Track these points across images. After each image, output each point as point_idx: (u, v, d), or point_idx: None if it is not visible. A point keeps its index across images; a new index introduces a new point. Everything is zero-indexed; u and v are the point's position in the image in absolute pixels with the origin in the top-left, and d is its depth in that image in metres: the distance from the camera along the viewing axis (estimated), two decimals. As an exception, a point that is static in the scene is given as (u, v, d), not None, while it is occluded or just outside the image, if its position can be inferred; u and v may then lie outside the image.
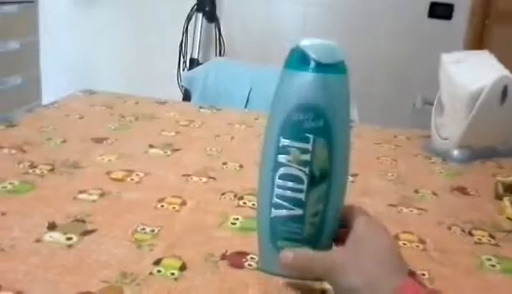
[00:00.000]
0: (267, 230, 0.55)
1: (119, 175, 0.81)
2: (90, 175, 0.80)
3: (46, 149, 0.89)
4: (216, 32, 2.85)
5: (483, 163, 1.03)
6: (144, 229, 0.64)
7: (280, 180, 0.53)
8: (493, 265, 0.64)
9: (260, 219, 0.56)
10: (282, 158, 0.52)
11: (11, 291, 0.50)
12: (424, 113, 1.35)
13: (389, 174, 0.93)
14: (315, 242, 0.53)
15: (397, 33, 2.81)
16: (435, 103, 1.12)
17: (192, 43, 2.78)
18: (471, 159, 1.03)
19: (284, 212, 0.53)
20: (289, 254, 0.51)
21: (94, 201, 0.71)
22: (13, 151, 0.86)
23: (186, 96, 2.26)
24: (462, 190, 0.88)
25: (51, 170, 0.80)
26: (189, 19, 2.78)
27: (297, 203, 0.52)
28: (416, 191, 0.86)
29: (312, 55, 0.51)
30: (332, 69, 0.51)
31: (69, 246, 0.59)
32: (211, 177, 0.84)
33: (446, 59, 1.10)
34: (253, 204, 0.74)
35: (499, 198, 0.83)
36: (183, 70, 2.75)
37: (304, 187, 0.51)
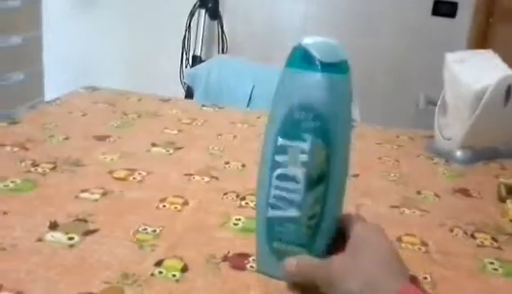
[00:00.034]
0: (263, 231, 0.55)
1: (122, 174, 0.81)
2: (92, 173, 0.80)
3: (48, 147, 0.89)
4: (219, 29, 2.84)
5: (486, 164, 1.03)
6: (146, 229, 0.64)
7: (278, 181, 0.52)
8: (495, 269, 0.63)
9: (257, 219, 0.55)
10: (280, 157, 0.52)
11: (12, 290, 0.50)
12: (427, 114, 1.35)
13: (391, 174, 0.92)
14: (311, 245, 0.53)
15: (399, 32, 2.80)
16: (439, 103, 1.12)
17: (195, 40, 2.77)
18: (474, 160, 1.03)
19: (280, 213, 0.53)
20: (293, 261, 0.51)
21: (96, 200, 0.71)
22: (15, 149, 0.86)
23: (189, 93, 2.25)
24: (465, 192, 0.88)
25: (54, 168, 0.80)
26: (192, 15, 2.77)
27: (293, 205, 0.52)
28: (419, 192, 0.85)
29: (314, 53, 0.50)
30: (333, 68, 0.50)
31: (71, 246, 0.59)
32: (213, 177, 0.83)
33: (450, 58, 1.09)
34: (256, 204, 0.74)
35: (502, 200, 0.83)
36: (186, 67, 2.75)
37: (301, 188, 0.51)
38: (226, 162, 0.90)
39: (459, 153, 1.03)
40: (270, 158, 0.52)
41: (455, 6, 2.75)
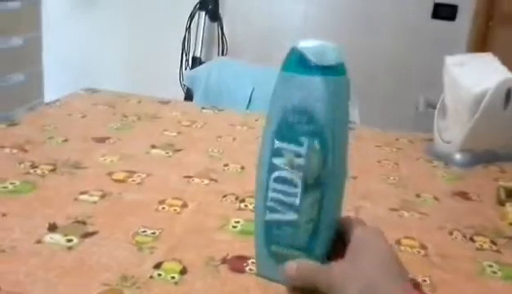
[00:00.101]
0: (261, 234, 0.54)
1: (121, 175, 0.81)
2: (91, 175, 0.80)
3: (47, 149, 0.89)
4: (218, 31, 2.84)
5: (486, 168, 1.03)
6: (145, 231, 0.64)
7: (275, 184, 0.52)
8: (494, 272, 0.63)
9: (256, 222, 0.55)
10: (277, 160, 0.52)
11: (11, 292, 0.50)
12: (426, 116, 1.35)
13: (391, 177, 0.92)
14: (309, 248, 0.52)
15: (399, 34, 2.80)
16: (438, 105, 1.12)
17: (195, 42, 2.78)
18: (473, 163, 1.03)
19: (278, 216, 0.52)
20: (293, 265, 0.51)
21: (95, 202, 0.71)
22: (14, 150, 0.86)
23: (188, 95, 2.26)
24: (464, 195, 0.88)
25: (53, 170, 0.80)
26: (192, 17, 2.78)
27: (290, 208, 0.51)
28: (418, 195, 0.85)
29: (309, 56, 0.49)
30: (329, 71, 0.49)
31: (70, 247, 0.59)
32: (212, 179, 0.83)
33: (450, 61, 1.10)
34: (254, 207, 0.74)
35: (501, 203, 0.83)
36: (185, 69, 2.75)
37: (298, 191, 0.51)
38: (226, 165, 0.90)
39: (458, 157, 1.03)
40: (267, 160, 0.52)
41: (455, 9, 2.75)
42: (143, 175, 0.82)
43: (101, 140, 0.96)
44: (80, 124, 1.06)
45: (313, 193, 0.51)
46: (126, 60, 3.04)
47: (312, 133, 0.50)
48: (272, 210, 0.53)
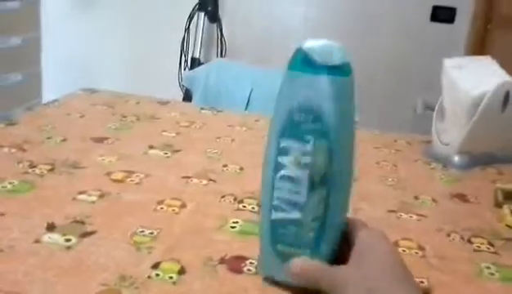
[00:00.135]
0: (267, 233, 0.54)
1: (119, 176, 0.81)
2: (90, 175, 0.80)
3: (46, 149, 0.89)
4: (218, 32, 2.84)
5: (483, 170, 1.03)
6: (143, 231, 0.64)
7: (281, 182, 0.52)
8: (492, 273, 0.63)
9: (261, 221, 0.55)
10: (283, 159, 0.52)
11: (9, 292, 0.50)
12: (424, 119, 1.35)
13: (389, 179, 0.92)
14: (315, 248, 0.52)
15: (398, 36, 2.81)
16: (436, 108, 1.12)
17: (194, 42, 2.78)
18: (471, 165, 1.03)
19: (283, 215, 0.52)
20: (298, 262, 0.51)
21: (93, 202, 0.71)
22: (13, 150, 0.86)
23: (187, 96, 2.26)
24: (462, 197, 0.88)
25: (51, 170, 0.80)
26: (191, 18, 2.78)
27: (296, 206, 0.51)
28: (416, 197, 0.85)
29: (315, 56, 0.50)
30: (335, 70, 0.50)
31: (68, 247, 0.59)
32: (211, 179, 0.83)
33: (449, 64, 1.10)
34: (253, 208, 0.74)
35: (498, 205, 0.83)
36: (184, 70, 2.75)
37: (303, 190, 0.51)
38: (224, 165, 0.90)
39: (456, 159, 1.03)
40: (273, 159, 0.52)
41: (453, 11, 2.76)
42: (142, 176, 0.82)
43: (100, 140, 0.96)
44: (79, 124, 1.06)
45: (319, 192, 0.51)
46: (125, 61, 3.04)
47: (318, 132, 0.50)
48: (278, 209, 0.53)
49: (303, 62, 0.50)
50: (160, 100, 1.30)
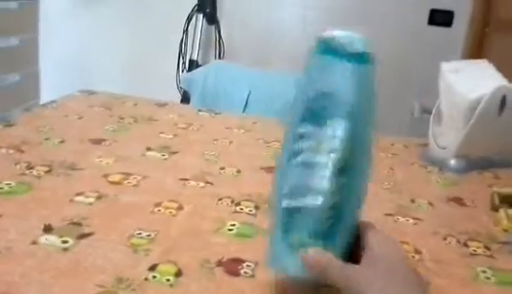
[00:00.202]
0: (279, 222, 0.52)
1: (117, 177, 0.81)
2: (87, 177, 0.80)
3: (43, 150, 0.89)
4: (216, 34, 2.85)
5: (480, 174, 1.03)
6: (140, 233, 0.64)
7: (298, 168, 0.51)
8: (488, 277, 0.64)
9: (274, 211, 0.53)
10: (301, 145, 0.51)
11: (6, 293, 0.50)
12: (421, 122, 1.35)
13: (386, 183, 0.93)
14: (328, 239, 0.50)
15: (396, 40, 2.81)
16: (433, 111, 1.12)
17: (192, 44, 2.78)
18: (468, 169, 1.04)
19: (298, 202, 0.51)
20: (312, 253, 0.49)
21: (91, 204, 0.71)
22: (11, 151, 0.86)
23: (185, 98, 2.26)
24: (458, 201, 0.88)
25: (49, 171, 0.80)
26: (189, 19, 2.78)
27: (315, 193, 0.50)
28: (412, 200, 0.86)
29: (338, 43, 0.50)
30: (358, 58, 0.50)
31: (65, 249, 0.59)
32: (208, 182, 0.84)
33: (446, 67, 1.10)
34: (250, 210, 0.74)
35: (495, 209, 0.83)
36: (182, 71, 2.75)
37: (323, 176, 0.49)
38: (222, 168, 0.91)
39: (453, 162, 1.04)
40: (291, 145, 0.52)
41: (451, 15, 2.76)
42: (139, 178, 0.82)
43: (97, 141, 0.96)
44: (76, 126, 1.06)
45: (339, 179, 0.50)
46: (123, 62, 3.03)
47: (340, 118, 0.49)
48: (293, 196, 0.51)
49: (325, 49, 0.50)
50: (158, 101, 1.30)
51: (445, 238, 0.73)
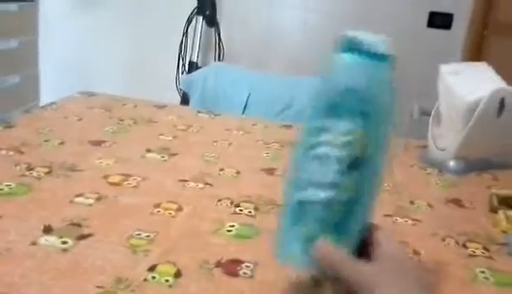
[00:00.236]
0: (291, 214, 0.52)
1: (116, 179, 0.81)
2: (87, 178, 0.80)
3: (43, 151, 0.90)
4: (216, 36, 2.85)
5: (479, 175, 1.04)
6: (139, 234, 0.64)
7: (314, 161, 0.51)
8: (487, 278, 0.64)
9: (286, 202, 0.53)
10: (318, 138, 0.51)
11: (6, 293, 0.50)
12: (421, 124, 1.35)
13: (385, 184, 0.93)
14: (340, 233, 0.50)
15: (395, 42, 2.78)
16: (433, 113, 1.13)
17: (192, 46, 2.78)
18: (467, 171, 1.04)
19: (312, 195, 0.51)
20: (324, 245, 0.49)
21: (90, 205, 0.71)
22: (11, 153, 0.87)
23: (184, 100, 2.26)
24: (457, 202, 0.88)
25: (49, 172, 0.80)
26: (189, 21, 2.78)
27: (328, 186, 0.50)
28: (412, 202, 0.86)
29: (360, 43, 0.51)
30: (382, 57, 0.52)
31: (65, 250, 0.59)
32: (208, 183, 0.84)
33: (445, 70, 1.10)
34: (250, 212, 0.74)
35: (493, 210, 0.83)
36: (182, 73, 2.75)
37: (338, 169, 0.50)
38: (221, 169, 0.91)
39: (452, 164, 1.04)
40: (308, 138, 0.52)
41: (450, 17, 2.77)
42: (139, 179, 0.82)
43: (97, 143, 0.97)
44: (76, 127, 1.06)
45: (354, 173, 0.50)
46: (123, 64, 3.04)
47: (359, 113, 0.50)
48: (308, 188, 0.51)
49: (348, 48, 0.52)
50: (158, 103, 1.31)
51: (444, 239, 0.73)
